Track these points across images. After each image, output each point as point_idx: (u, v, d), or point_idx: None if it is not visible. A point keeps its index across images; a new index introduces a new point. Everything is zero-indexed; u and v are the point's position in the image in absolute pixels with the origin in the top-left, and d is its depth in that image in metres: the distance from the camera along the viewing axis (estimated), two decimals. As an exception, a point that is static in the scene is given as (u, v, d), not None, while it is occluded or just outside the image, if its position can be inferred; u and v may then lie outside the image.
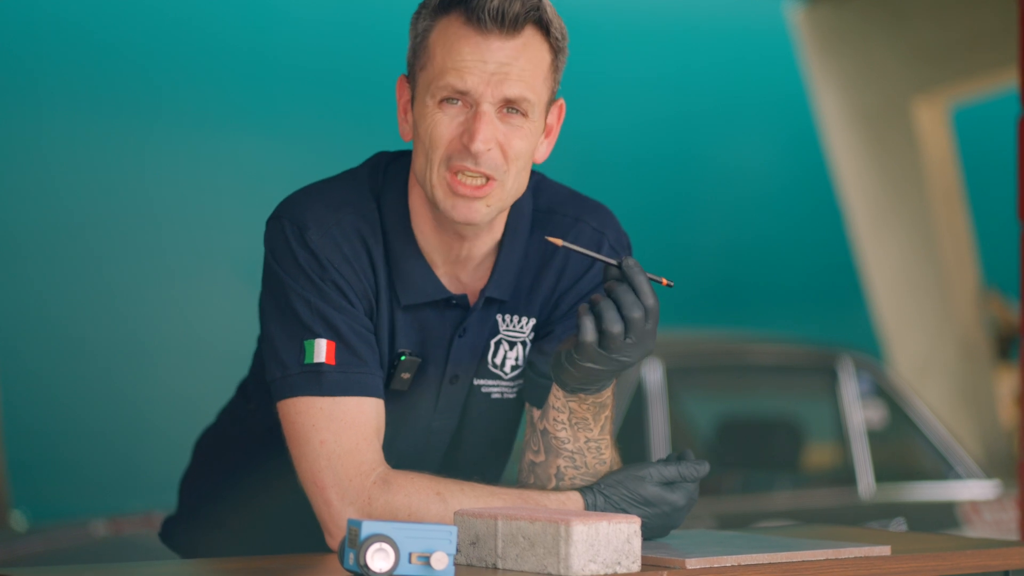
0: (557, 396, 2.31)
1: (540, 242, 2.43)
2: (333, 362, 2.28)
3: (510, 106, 2.27)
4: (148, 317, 10.79)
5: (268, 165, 11.02)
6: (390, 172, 2.40)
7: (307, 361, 2.28)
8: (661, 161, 13.98)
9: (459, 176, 2.27)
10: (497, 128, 2.26)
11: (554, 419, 2.32)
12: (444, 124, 2.27)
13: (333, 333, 2.29)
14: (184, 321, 10.87)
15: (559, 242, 2.26)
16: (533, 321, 2.44)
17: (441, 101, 2.27)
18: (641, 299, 2.19)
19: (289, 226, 2.33)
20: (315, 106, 11.83)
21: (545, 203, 2.44)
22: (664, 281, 2.27)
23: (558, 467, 2.34)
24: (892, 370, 8.76)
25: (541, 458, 2.34)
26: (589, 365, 2.21)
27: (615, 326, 2.18)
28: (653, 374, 5.44)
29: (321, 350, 2.29)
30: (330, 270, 2.31)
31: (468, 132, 2.25)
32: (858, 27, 10.56)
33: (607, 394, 2.32)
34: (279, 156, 11.15)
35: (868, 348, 8.23)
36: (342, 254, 2.32)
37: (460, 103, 2.27)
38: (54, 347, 10.43)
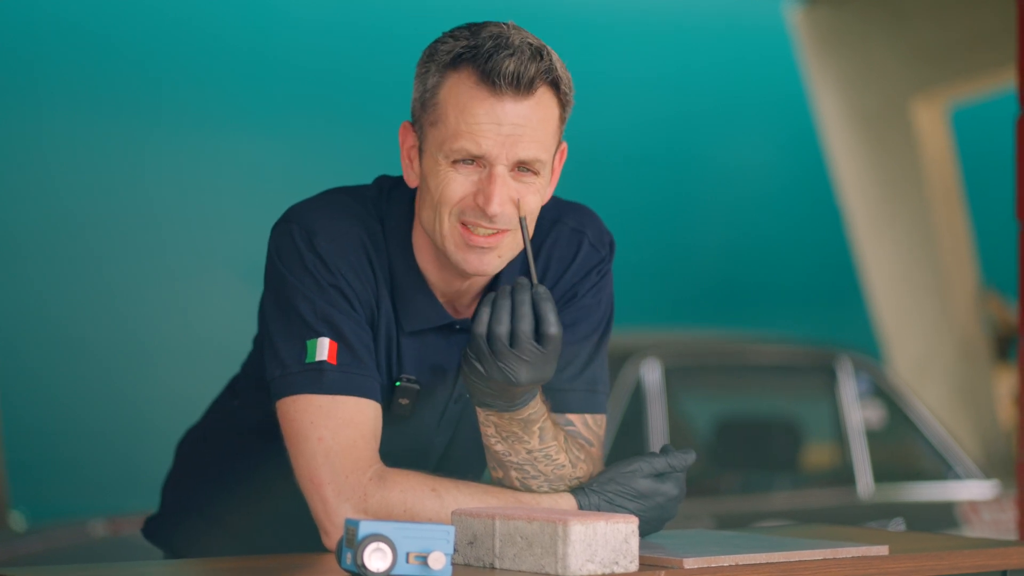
0: (478, 410, 2.30)
1: (523, 253, 2.43)
2: (335, 362, 2.29)
3: (522, 165, 2.28)
4: (148, 317, 10.80)
5: (268, 165, 11.02)
6: (393, 197, 2.41)
7: (309, 360, 2.29)
8: (660, 161, 13.98)
9: (471, 228, 2.28)
10: (510, 187, 2.27)
11: (485, 434, 2.31)
12: (458, 183, 2.27)
13: (336, 334, 2.30)
14: (183, 321, 10.87)
15: (522, 211, 2.25)
16: None
17: (454, 162, 2.27)
18: (540, 324, 2.18)
19: (298, 230, 2.34)
20: (315, 107, 11.83)
21: None
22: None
23: (514, 479, 2.33)
24: (891, 370, 8.76)
25: (499, 473, 2.34)
26: (476, 366, 2.20)
27: (501, 326, 2.17)
28: (652, 374, 5.44)
29: (323, 349, 2.29)
30: (336, 275, 2.32)
31: (483, 194, 2.26)
32: (857, 27, 10.56)
33: (530, 410, 2.28)
34: (279, 156, 11.15)
35: (867, 348, 8.23)
36: (348, 262, 2.33)
37: (474, 164, 2.27)
38: (54, 347, 10.43)
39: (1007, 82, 9.92)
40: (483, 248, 2.29)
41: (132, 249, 10.79)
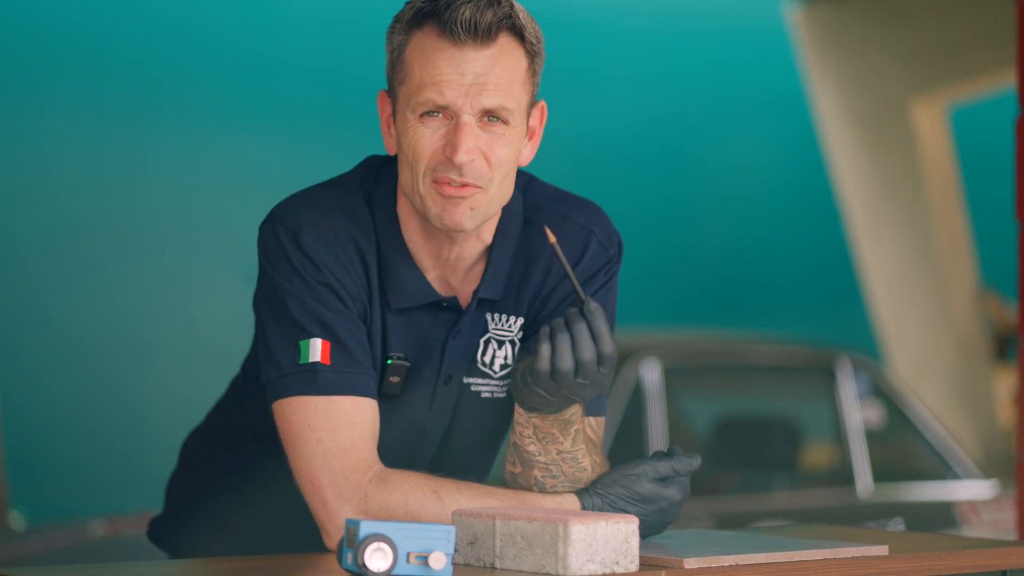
0: (520, 412, 2.31)
1: (528, 242, 2.43)
2: (328, 362, 2.29)
3: (490, 115, 2.28)
4: (148, 317, 10.80)
5: (269, 165, 11.02)
6: (381, 176, 2.41)
7: (302, 361, 2.29)
8: (658, 161, 13.98)
9: (443, 184, 2.28)
10: (479, 137, 2.27)
11: (520, 434, 2.32)
12: (426, 137, 2.28)
13: (328, 333, 2.30)
14: (183, 321, 10.87)
15: (552, 237, 2.26)
16: (521, 320, 2.44)
17: (422, 115, 2.28)
18: (598, 344, 2.20)
19: (283, 230, 2.33)
20: (316, 107, 11.83)
21: (533, 202, 2.44)
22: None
23: (535, 477, 2.34)
24: (890, 370, 8.76)
25: (518, 469, 2.34)
26: (541, 392, 2.23)
27: (565, 363, 2.19)
28: (651, 374, 5.44)
29: (316, 350, 2.29)
30: (325, 272, 2.32)
31: (451, 144, 2.26)
32: (856, 27, 10.57)
33: (572, 412, 2.30)
34: (280, 156, 11.15)
35: (866, 348, 8.23)
36: (336, 257, 2.33)
37: (441, 116, 2.28)
38: (54, 347, 10.43)
39: (1006, 82, 9.92)
40: (455, 198, 2.28)
41: (132, 249, 10.79)
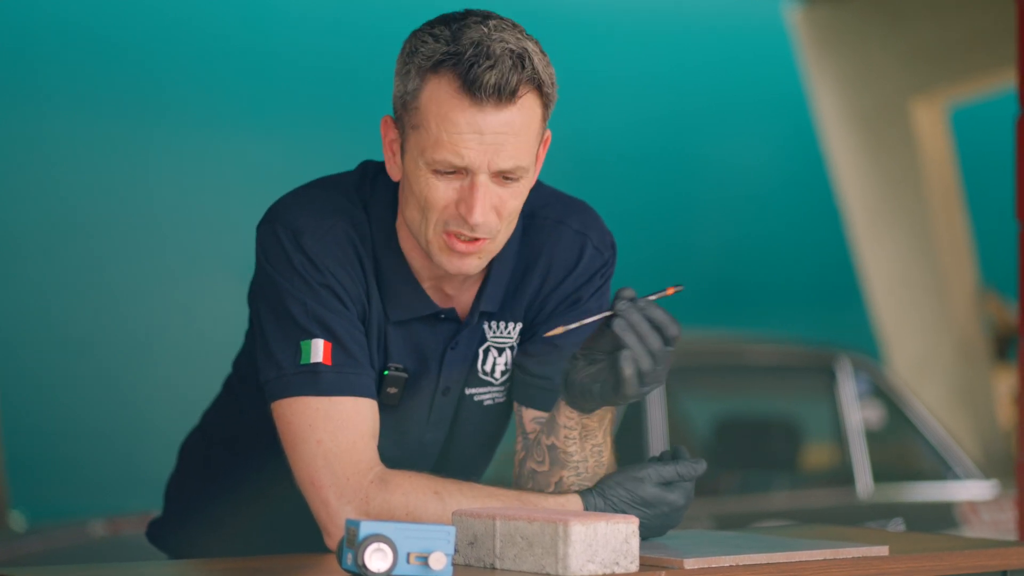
0: (570, 416, 2.29)
1: (524, 248, 2.43)
2: (329, 362, 2.28)
3: (504, 174, 2.26)
4: (148, 317, 10.80)
5: (270, 165, 11.02)
6: (377, 184, 2.40)
7: (303, 361, 2.28)
8: (658, 161, 13.98)
9: (455, 235, 2.27)
10: (492, 194, 2.26)
11: (565, 436, 2.31)
12: (440, 191, 2.25)
13: (329, 334, 2.29)
14: (184, 321, 10.87)
15: (560, 330, 2.25)
16: (520, 326, 2.44)
17: (435, 171, 2.26)
18: (663, 331, 2.19)
19: (283, 230, 2.33)
20: (317, 107, 11.83)
21: (528, 208, 2.43)
22: (671, 290, 2.27)
23: (561, 477, 2.33)
24: (890, 370, 8.76)
25: (544, 468, 2.33)
26: (633, 398, 2.22)
27: (646, 363, 2.18)
28: (651, 374, 5.43)
29: (318, 350, 2.29)
30: (325, 273, 2.31)
31: (466, 204, 2.24)
32: (856, 27, 10.57)
33: None
34: (281, 156, 11.15)
35: (866, 348, 8.23)
36: (336, 258, 2.32)
37: (455, 172, 2.25)
38: (54, 347, 10.43)
39: (1006, 82, 9.92)
40: (464, 254, 2.28)
41: (132, 249, 10.79)
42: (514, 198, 2.28)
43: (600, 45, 13.36)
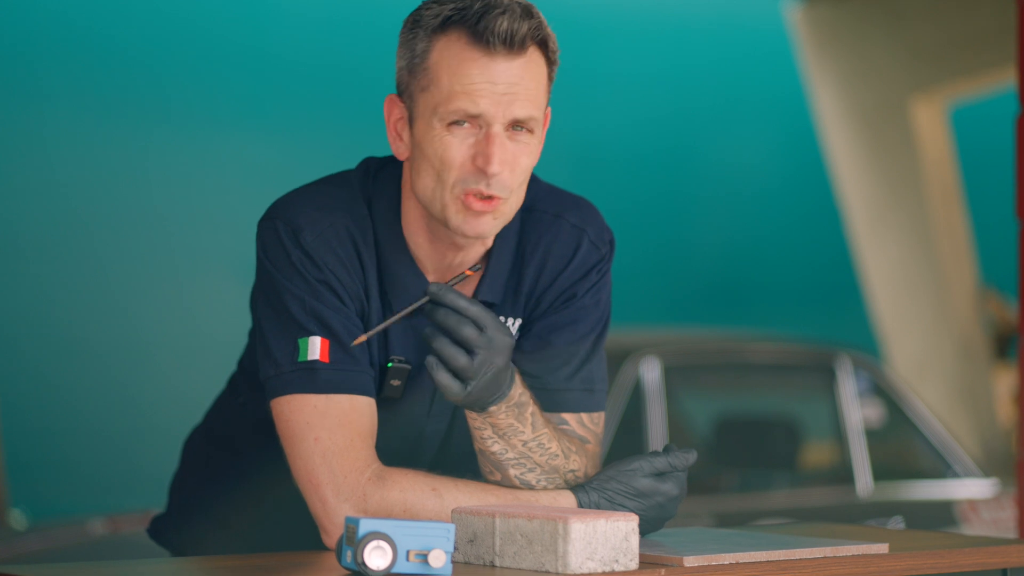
0: (474, 417, 2.28)
1: (522, 242, 2.43)
2: (327, 360, 2.28)
3: (517, 124, 2.27)
4: (148, 316, 10.80)
5: (270, 165, 11.02)
6: (380, 178, 2.40)
7: (301, 359, 2.28)
8: (658, 159, 13.98)
9: (473, 195, 2.27)
10: (507, 148, 2.27)
11: (480, 438, 2.30)
12: (455, 147, 2.26)
13: (327, 331, 2.29)
14: (184, 320, 10.87)
15: (362, 338, 2.20)
16: (519, 321, 2.44)
17: (450, 124, 2.26)
18: (464, 314, 2.16)
19: (283, 227, 2.33)
20: (317, 107, 11.83)
21: (527, 200, 2.43)
22: (468, 272, 2.26)
23: (514, 477, 2.32)
24: (890, 369, 8.76)
25: (497, 476, 2.33)
26: (466, 394, 2.19)
27: (459, 359, 2.16)
28: (651, 373, 5.44)
29: (315, 348, 2.29)
30: (324, 270, 2.31)
31: (483, 155, 2.25)
32: (856, 26, 10.57)
33: (518, 391, 2.27)
34: (280, 156, 11.15)
35: (866, 347, 8.24)
36: (336, 255, 2.32)
37: (468, 125, 2.26)
38: (54, 346, 10.43)
39: (1006, 81, 9.93)
40: (480, 212, 2.28)
41: (133, 248, 10.79)
42: (526, 156, 2.29)
43: (601, 45, 13.36)
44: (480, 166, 2.25)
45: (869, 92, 10.60)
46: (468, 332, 2.16)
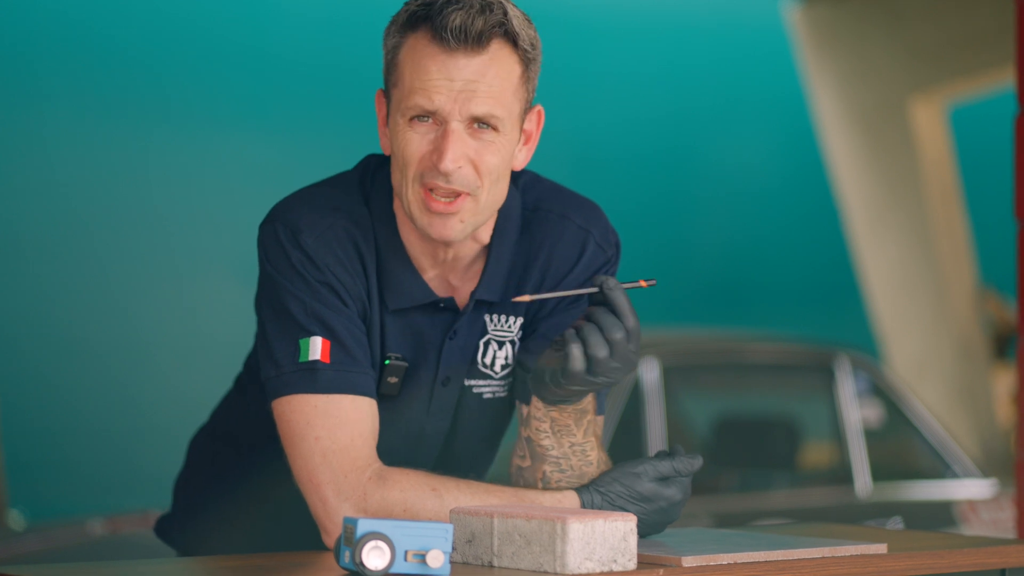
0: (537, 407, 2.31)
1: (527, 242, 2.43)
2: (328, 360, 2.29)
3: (480, 122, 2.27)
4: (148, 316, 10.80)
5: (270, 165, 11.02)
6: (379, 176, 2.41)
7: (302, 359, 2.29)
8: (657, 159, 13.98)
9: (432, 193, 2.28)
10: (467, 145, 2.27)
11: (536, 428, 2.32)
12: (415, 142, 2.28)
13: (328, 332, 2.30)
14: (184, 320, 10.87)
15: (527, 298, 2.28)
16: (520, 320, 2.44)
17: (411, 119, 2.28)
18: (622, 320, 2.21)
19: (283, 229, 2.34)
20: (317, 107, 11.83)
21: (532, 201, 2.44)
22: (643, 283, 2.28)
23: (544, 472, 2.34)
24: (889, 369, 8.76)
25: (527, 463, 2.34)
26: (575, 388, 2.24)
27: (601, 351, 2.20)
28: (650, 373, 5.44)
29: (316, 348, 2.29)
30: (325, 272, 2.32)
31: (437, 151, 2.26)
32: (855, 26, 10.57)
33: (587, 400, 2.33)
34: (281, 156, 11.15)
35: (865, 347, 8.23)
36: (336, 256, 2.33)
37: (430, 121, 2.27)
38: (54, 347, 10.43)
39: (1005, 81, 9.92)
40: (444, 214, 2.28)
41: (133, 248, 10.79)
42: (492, 154, 2.28)
43: (600, 44, 13.37)
44: (434, 162, 2.26)
45: (868, 92, 10.60)
46: (619, 337, 2.21)
